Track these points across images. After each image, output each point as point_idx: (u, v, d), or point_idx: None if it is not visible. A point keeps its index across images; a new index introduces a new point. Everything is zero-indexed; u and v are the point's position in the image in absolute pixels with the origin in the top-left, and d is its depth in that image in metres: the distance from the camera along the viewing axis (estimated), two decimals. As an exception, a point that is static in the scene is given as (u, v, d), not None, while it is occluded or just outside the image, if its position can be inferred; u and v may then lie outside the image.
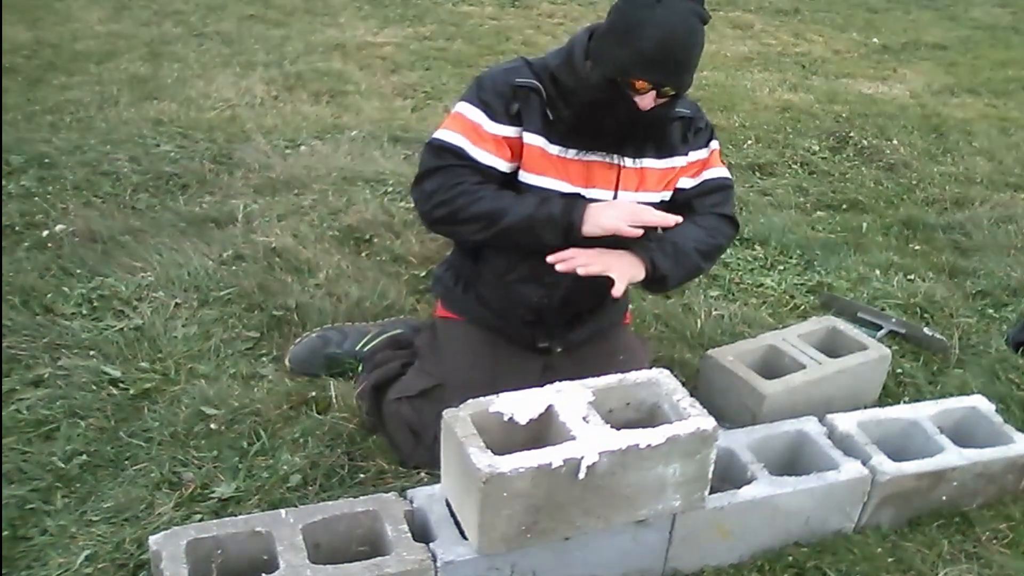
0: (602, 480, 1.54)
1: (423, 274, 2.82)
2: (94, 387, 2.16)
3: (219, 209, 3.19)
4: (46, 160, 3.44)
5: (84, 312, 2.48)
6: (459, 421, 1.56)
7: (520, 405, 1.62)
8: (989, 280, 3.12)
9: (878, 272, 3.15)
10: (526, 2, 7.30)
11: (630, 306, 2.43)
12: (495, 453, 1.48)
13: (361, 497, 1.69)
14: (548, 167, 1.91)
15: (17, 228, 2.92)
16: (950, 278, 3.16)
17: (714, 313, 2.75)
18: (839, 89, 5.60)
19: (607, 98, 1.82)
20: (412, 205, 2.16)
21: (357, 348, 2.30)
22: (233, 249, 2.88)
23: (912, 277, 3.14)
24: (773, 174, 4.11)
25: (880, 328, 2.70)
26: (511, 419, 1.61)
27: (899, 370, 2.50)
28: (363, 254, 2.97)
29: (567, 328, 2.09)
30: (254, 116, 4.25)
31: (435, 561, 1.54)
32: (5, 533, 1.74)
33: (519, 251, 1.98)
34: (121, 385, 2.19)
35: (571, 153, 1.91)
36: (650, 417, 1.73)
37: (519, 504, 1.49)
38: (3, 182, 3.21)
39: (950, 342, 2.65)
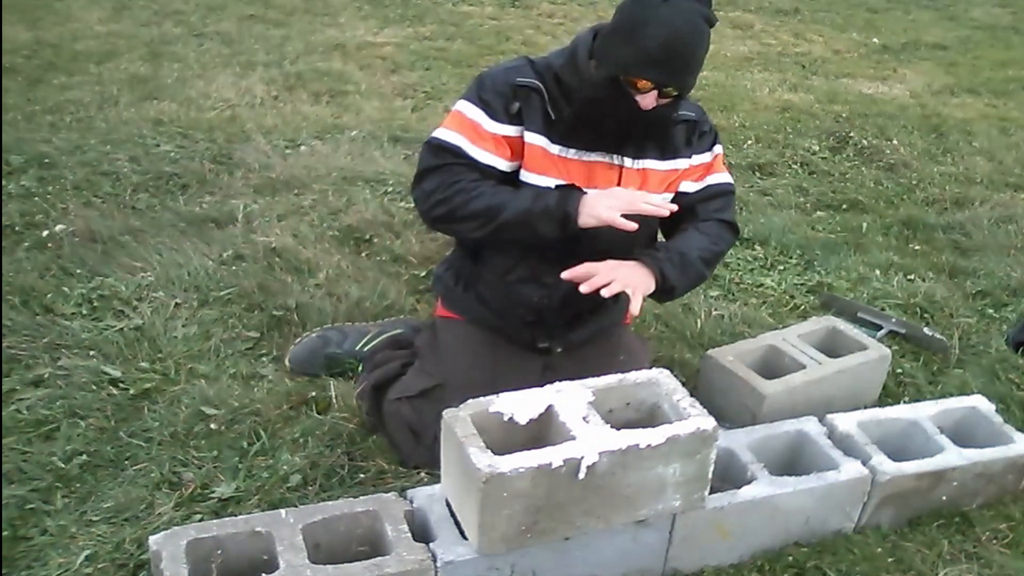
0: (602, 480, 1.54)
1: (423, 274, 2.82)
2: (94, 387, 2.16)
3: (219, 209, 3.19)
4: (46, 160, 3.44)
5: (84, 312, 2.48)
6: (459, 421, 1.56)
7: (520, 405, 1.62)
8: (989, 280, 3.12)
9: (878, 272, 3.15)
10: (526, 2, 7.30)
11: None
12: (495, 453, 1.48)
13: (361, 497, 1.69)
14: (549, 167, 1.91)
15: (17, 228, 2.92)
16: (950, 278, 3.16)
17: (714, 313, 2.75)
18: (839, 89, 5.60)
19: (608, 96, 1.82)
20: (412, 205, 2.16)
21: (357, 348, 2.30)
22: (233, 249, 2.88)
23: (912, 277, 3.14)
24: (773, 174, 4.11)
25: (880, 328, 2.70)
26: (511, 419, 1.61)
27: (899, 370, 2.50)
28: (363, 254, 2.97)
29: (567, 328, 2.09)
30: (254, 116, 4.25)
31: (435, 561, 1.54)
32: (5, 533, 1.74)
33: (520, 248, 1.98)
34: (121, 385, 2.19)
35: (572, 153, 1.91)
36: (650, 417, 1.73)
37: (519, 504, 1.49)
38: (3, 182, 3.21)
39: (950, 342, 2.65)
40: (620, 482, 1.56)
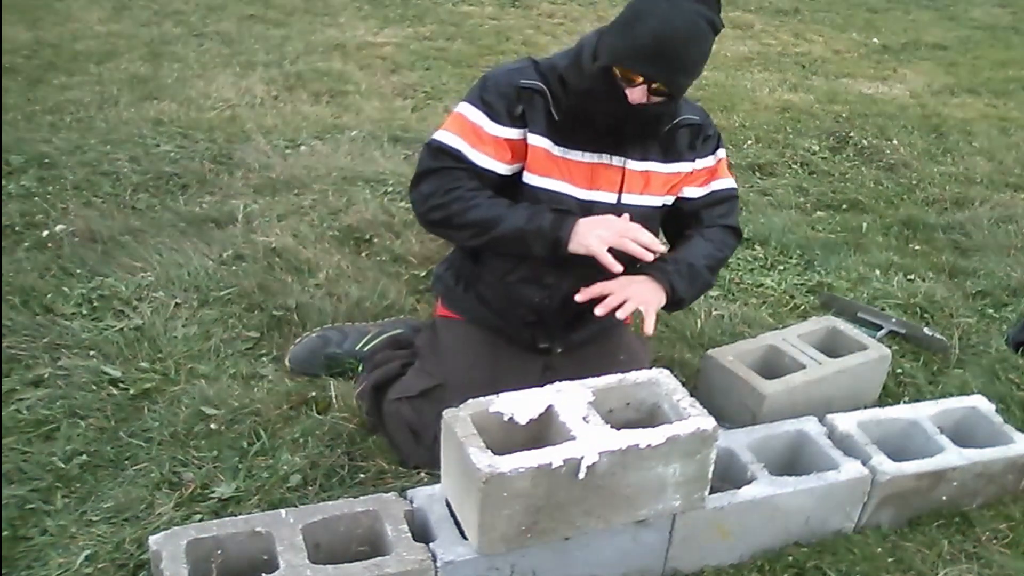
0: (602, 480, 1.54)
1: (423, 274, 2.82)
2: (94, 387, 2.16)
3: (219, 209, 3.19)
4: (46, 160, 3.44)
5: (84, 312, 2.48)
6: (459, 421, 1.56)
7: (520, 405, 1.62)
8: (989, 280, 3.12)
9: (878, 272, 3.15)
10: (526, 2, 7.30)
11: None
12: (495, 453, 1.48)
13: (361, 497, 1.69)
14: (552, 168, 1.91)
15: (17, 228, 2.92)
16: (950, 278, 3.16)
17: (714, 313, 2.75)
18: (839, 89, 5.60)
19: (601, 88, 1.81)
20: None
21: (357, 348, 2.30)
22: (233, 249, 2.88)
23: (912, 277, 3.14)
24: (773, 174, 4.11)
25: (880, 328, 2.70)
26: (511, 419, 1.61)
27: (899, 370, 2.50)
28: (363, 254, 2.97)
29: (567, 328, 2.09)
30: (254, 116, 4.25)
31: (435, 561, 1.54)
32: (5, 533, 1.74)
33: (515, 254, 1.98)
34: (121, 385, 2.19)
35: (574, 154, 1.91)
36: (650, 417, 1.73)
37: (519, 504, 1.49)
38: (3, 182, 3.21)
39: (950, 342, 2.65)
40: (620, 482, 1.56)
